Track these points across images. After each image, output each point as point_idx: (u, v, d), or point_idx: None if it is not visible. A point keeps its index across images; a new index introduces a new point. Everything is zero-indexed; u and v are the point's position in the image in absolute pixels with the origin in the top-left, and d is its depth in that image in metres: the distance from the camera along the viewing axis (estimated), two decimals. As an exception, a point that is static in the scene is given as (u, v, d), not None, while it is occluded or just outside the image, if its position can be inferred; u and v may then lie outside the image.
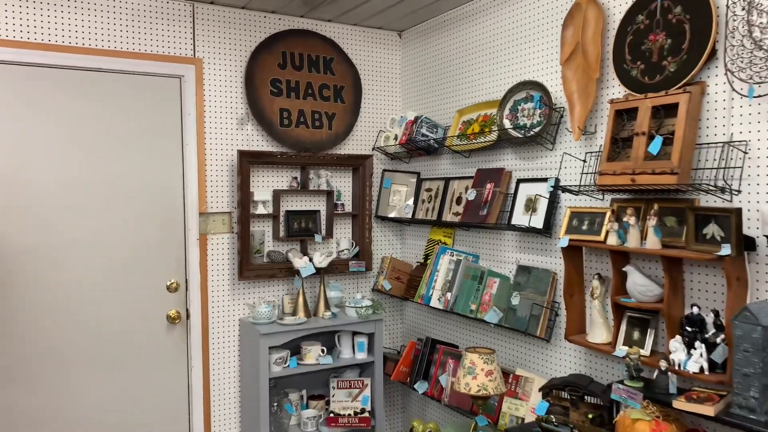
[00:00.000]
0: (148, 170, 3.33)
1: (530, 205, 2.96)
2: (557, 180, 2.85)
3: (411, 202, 3.85)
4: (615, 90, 2.58)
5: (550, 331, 2.84)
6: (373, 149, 3.98)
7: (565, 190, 2.62)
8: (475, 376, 2.71)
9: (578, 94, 2.67)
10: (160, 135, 3.36)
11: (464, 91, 3.50)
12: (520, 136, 2.95)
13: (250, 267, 3.49)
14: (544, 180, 2.90)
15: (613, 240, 2.44)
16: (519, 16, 3.09)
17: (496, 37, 3.24)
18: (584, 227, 2.59)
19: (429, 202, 3.70)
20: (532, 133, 2.87)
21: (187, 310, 3.43)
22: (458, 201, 3.46)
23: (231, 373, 3.54)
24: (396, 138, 3.80)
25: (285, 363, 3.37)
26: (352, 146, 3.91)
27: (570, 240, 2.59)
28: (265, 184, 3.64)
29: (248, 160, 3.47)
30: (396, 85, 4.09)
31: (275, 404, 3.40)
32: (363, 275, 3.98)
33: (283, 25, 3.67)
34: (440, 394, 3.36)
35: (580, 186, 2.60)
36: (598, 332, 2.57)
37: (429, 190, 3.74)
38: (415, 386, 3.45)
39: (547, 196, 2.84)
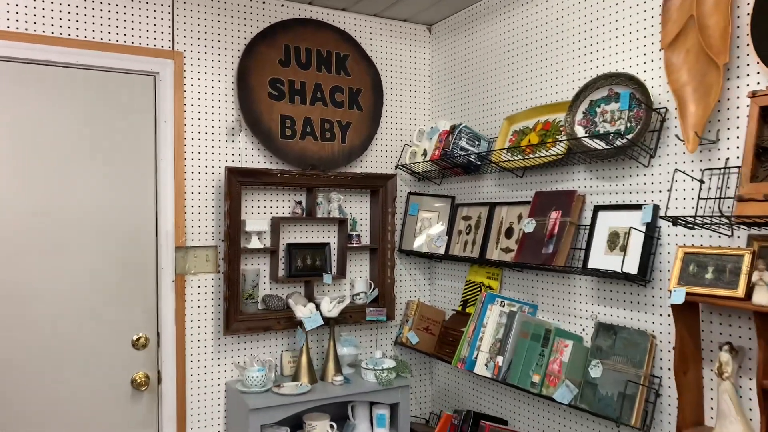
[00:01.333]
0: (110, 193, 2.59)
1: (616, 242, 2.17)
2: (656, 207, 2.06)
3: (443, 232, 3.07)
4: (752, 79, 1.81)
5: (646, 416, 2.02)
6: (396, 167, 3.22)
7: (677, 221, 1.83)
8: (548, 488, 1.90)
9: (693, 87, 1.90)
10: (128, 148, 2.63)
11: (514, 94, 2.75)
12: (602, 147, 2.17)
13: (240, 317, 2.72)
14: (637, 207, 2.12)
15: (763, 297, 1.64)
16: (594, -10, 2.34)
17: (559, 22, 2.49)
18: (708, 276, 1.80)
19: (468, 234, 2.92)
20: (621, 142, 2.10)
21: (158, 372, 2.65)
22: (508, 233, 2.68)
23: (214, 453, 2.74)
24: (425, 154, 3.04)
25: (283, 444, 2.58)
26: (370, 163, 3.16)
27: (687, 294, 1.79)
28: (260, 211, 2.88)
29: (240, 180, 2.72)
30: (425, 90, 3.34)
31: (269, 499, 2.60)
32: (383, 325, 3.19)
33: (286, 12, 2.95)
34: (487, 489, 2.54)
35: (697, 216, 1.81)
36: (733, 429, 1.76)
37: (467, 218, 2.96)
38: (453, 476, 2.63)
39: (644, 229, 2.06)
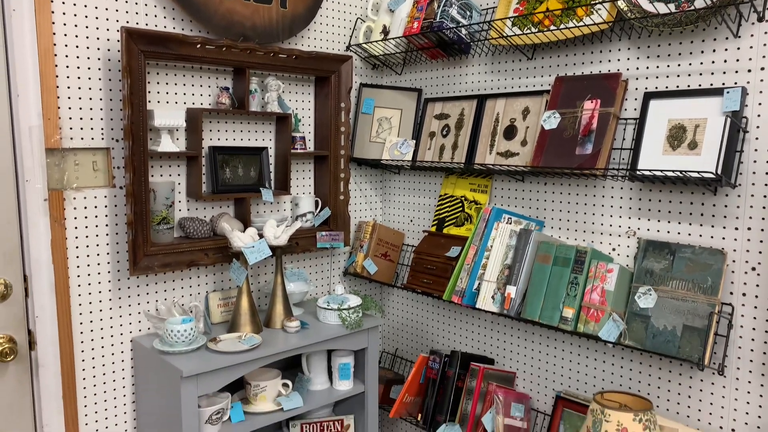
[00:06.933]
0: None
1: (681, 138, 1.69)
2: (744, 91, 1.60)
3: (407, 136, 2.44)
4: None
5: (716, 355, 1.64)
6: (347, 48, 2.48)
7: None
8: (630, 457, 1.45)
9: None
10: (-49, -14, 1.63)
11: (517, -50, 2.11)
12: (678, 9, 1.64)
13: (151, 249, 1.92)
14: (713, 92, 1.64)
15: None
16: None
17: None
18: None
19: (444, 137, 2.32)
20: (707, 2, 1.57)
21: (28, 333, 1.81)
22: (509, 133, 2.12)
23: (120, 435, 1.99)
24: (385, 31, 2.34)
25: (224, 417, 1.90)
26: (313, 41, 2.39)
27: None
28: (172, 99, 2.03)
29: (144, 51, 1.84)
30: (377, -49, 2.58)
31: (208, 489, 1.93)
32: (331, 253, 2.54)
33: None
34: (483, 445, 2.09)
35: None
36: None
37: (443, 116, 2.35)
38: (440, 431, 2.14)
39: (728, 120, 1.58)
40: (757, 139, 1.59)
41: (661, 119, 1.74)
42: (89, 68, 1.83)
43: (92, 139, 1.85)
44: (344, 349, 2.16)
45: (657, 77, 1.78)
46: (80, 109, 1.82)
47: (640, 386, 1.86)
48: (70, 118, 1.80)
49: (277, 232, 2.07)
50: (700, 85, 1.70)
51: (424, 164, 2.32)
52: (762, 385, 1.60)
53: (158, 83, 1.99)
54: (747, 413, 1.63)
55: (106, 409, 1.94)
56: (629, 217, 1.87)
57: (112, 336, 1.94)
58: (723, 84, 1.65)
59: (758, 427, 1.61)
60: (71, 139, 1.81)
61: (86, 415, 1.90)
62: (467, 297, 2.02)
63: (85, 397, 1.89)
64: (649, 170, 1.68)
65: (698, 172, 1.55)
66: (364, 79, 2.56)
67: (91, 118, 1.84)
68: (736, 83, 1.63)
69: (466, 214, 2.30)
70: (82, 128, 1.83)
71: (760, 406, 1.61)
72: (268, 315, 2.12)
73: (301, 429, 2.25)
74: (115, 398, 1.96)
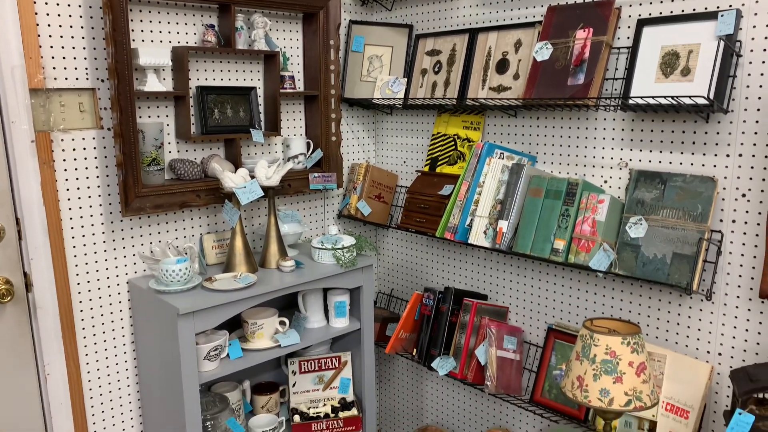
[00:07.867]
0: None
1: (674, 65, 1.67)
2: (739, 13, 1.57)
3: (398, 74, 2.41)
4: None
5: (705, 282, 1.66)
6: (335, -15, 2.41)
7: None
8: (618, 377, 1.49)
9: None
10: None
11: None
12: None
13: (142, 191, 1.91)
14: (709, 16, 1.61)
15: None
16: None
17: None
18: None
19: (436, 73, 2.29)
20: None
21: (24, 275, 1.82)
22: (501, 67, 2.08)
23: (123, 377, 2.03)
24: (374, -34, 2.27)
25: (222, 354, 1.94)
26: (301, -21, 2.33)
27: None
28: (157, 38, 1.99)
29: (123, -15, 1.79)
30: None
31: (209, 423, 1.98)
32: (324, 195, 2.54)
33: None
34: (477, 377, 2.14)
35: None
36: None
37: (435, 52, 2.31)
38: (434, 364, 2.19)
39: (721, 43, 1.56)
40: (750, 63, 1.57)
41: (654, 46, 1.71)
42: (69, 5, 1.78)
43: (77, 79, 1.82)
44: (339, 287, 2.19)
45: (651, 3, 1.74)
46: (62, 48, 1.78)
47: (630, 315, 1.89)
48: (53, 58, 1.77)
49: (268, 173, 2.06)
50: (694, 10, 1.66)
51: (416, 102, 2.29)
52: (749, 310, 1.63)
53: (141, 21, 1.94)
54: (734, 337, 1.67)
55: (106, 349, 1.97)
56: (621, 149, 1.86)
57: (108, 278, 1.96)
58: (718, 7, 1.62)
59: (744, 351, 1.65)
60: (55, 79, 1.78)
61: (87, 355, 1.93)
62: (459, 233, 2.03)
63: (84, 337, 1.92)
64: (641, 97, 1.66)
65: (690, 97, 1.54)
66: (353, 16, 2.50)
67: (75, 57, 1.81)
68: (731, 6, 1.59)
69: (459, 153, 2.29)
70: (65, 68, 1.79)
71: (746, 330, 1.64)
72: (263, 255, 2.13)
73: (300, 365, 2.30)
74: (114, 338, 1.99)
